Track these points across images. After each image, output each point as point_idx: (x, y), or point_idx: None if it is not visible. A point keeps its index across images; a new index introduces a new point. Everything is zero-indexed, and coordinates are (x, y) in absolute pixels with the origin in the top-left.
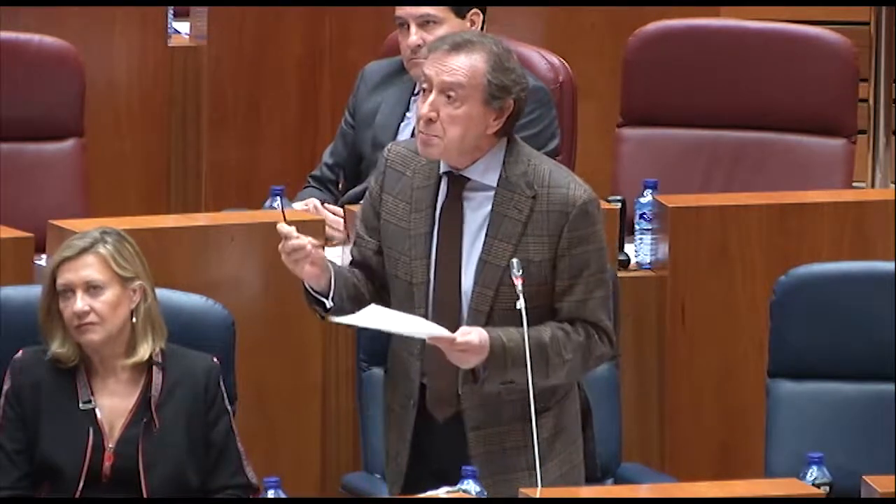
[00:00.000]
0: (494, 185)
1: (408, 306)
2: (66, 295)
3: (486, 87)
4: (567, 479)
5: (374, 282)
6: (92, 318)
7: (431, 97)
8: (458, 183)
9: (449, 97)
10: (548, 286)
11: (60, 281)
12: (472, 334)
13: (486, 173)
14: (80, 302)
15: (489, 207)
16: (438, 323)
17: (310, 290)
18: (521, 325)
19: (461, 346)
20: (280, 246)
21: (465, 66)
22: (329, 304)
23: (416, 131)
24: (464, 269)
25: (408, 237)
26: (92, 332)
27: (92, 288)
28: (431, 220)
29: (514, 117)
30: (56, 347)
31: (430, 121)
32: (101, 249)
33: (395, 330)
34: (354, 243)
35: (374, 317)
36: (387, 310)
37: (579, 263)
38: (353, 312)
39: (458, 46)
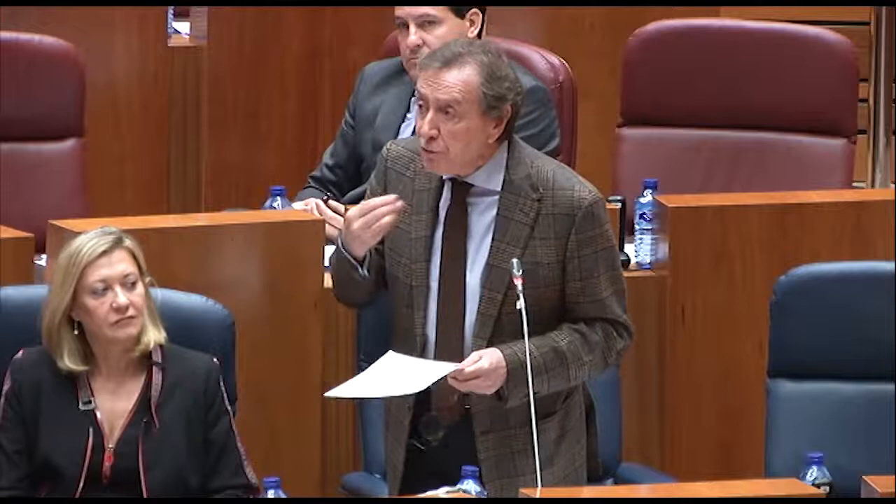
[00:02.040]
0: (498, 189)
1: (408, 309)
2: (101, 292)
3: (481, 99)
4: (571, 479)
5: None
6: (131, 311)
7: (430, 115)
8: (462, 189)
9: (447, 113)
10: (558, 287)
11: (94, 278)
12: (482, 360)
13: (490, 178)
14: (122, 296)
15: (494, 212)
16: (442, 327)
17: (348, 257)
18: (526, 326)
19: (473, 374)
20: (361, 222)
21: (458, 82)
22: (363, 272)
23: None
24: (468, 274)
25: (408, 239)
26: (132, 325)
27: (129, 282)
28: (433, 224)
29: (513, 121)
30: (67, 361)
31: (431, 138)
32: (127, 243)
33: (399, 391)
34: None
35: (375, 381)
36: (392, 365)
37: (589, 264)
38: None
39: (448, 62)
